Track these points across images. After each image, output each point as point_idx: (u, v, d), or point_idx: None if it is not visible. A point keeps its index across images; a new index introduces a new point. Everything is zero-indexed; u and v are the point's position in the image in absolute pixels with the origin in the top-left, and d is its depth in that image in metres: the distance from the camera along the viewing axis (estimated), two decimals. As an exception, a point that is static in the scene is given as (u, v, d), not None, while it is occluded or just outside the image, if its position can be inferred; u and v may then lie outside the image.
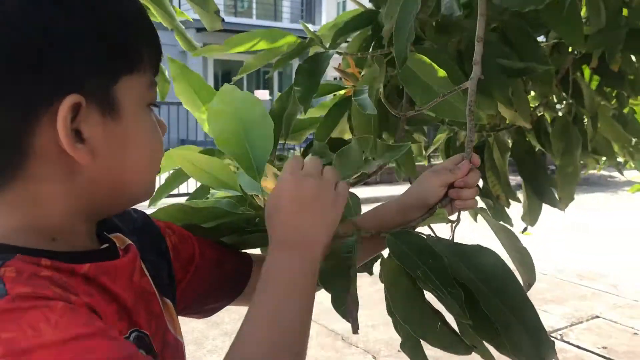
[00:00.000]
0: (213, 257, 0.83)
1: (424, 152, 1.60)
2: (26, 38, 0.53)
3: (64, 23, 0.55)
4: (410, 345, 0.82)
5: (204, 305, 0.86)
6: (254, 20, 16.60)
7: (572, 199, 1.50)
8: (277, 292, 0.64)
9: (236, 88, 0.86)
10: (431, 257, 0.75)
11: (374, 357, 3.57)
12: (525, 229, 1.51)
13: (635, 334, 4.03)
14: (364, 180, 1.17)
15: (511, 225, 1.46)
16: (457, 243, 0.81)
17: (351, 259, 0.76)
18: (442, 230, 0.87)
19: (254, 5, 17.54)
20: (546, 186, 1.40)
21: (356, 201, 0.96)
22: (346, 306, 0.70)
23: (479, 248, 0.78)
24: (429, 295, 0.76)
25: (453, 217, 0.88)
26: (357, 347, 3.68)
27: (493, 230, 0.87)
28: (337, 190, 0.70)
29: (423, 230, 0.86)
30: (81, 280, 0.56)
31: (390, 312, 0.77)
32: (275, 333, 0.60)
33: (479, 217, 0.89)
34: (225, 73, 15.72)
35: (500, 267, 0.75)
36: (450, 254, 0.77)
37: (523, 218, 1.52)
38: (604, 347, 3.76)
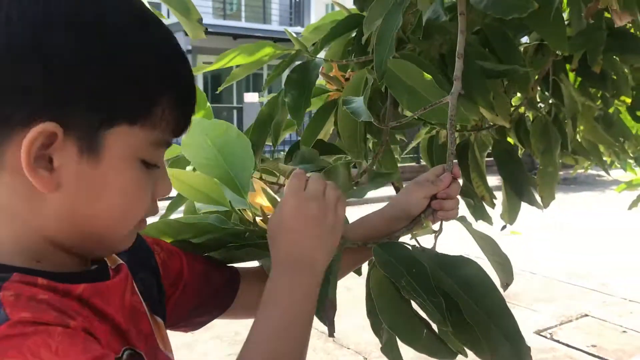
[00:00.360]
0: (201, 272, 0.84)
1: (399, 152, 1.61)
2: (22, 53, 0.51)
3: (68, 50, 0.52)
4: (390, 347, 0.86)
5: (193, 319, 0.86)
6: (242, 23, 16.59)
7: (553, 197, 1.51)
8: (280, 312, 0.65)
9: (204, 120, 0.90)
10: (414, 266, 0.78)
11: (365, 359, 3.57)
12: (504, 227, 1.53)
13: (624, 331, 4.06)
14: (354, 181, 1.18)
15: (491, 223, 1.48)
16: (440, 253, 0.84)
17: (332, 266, 0.78)
18: (425, 239, 0.90)
19: (243, 8, 17.53)
20: (525, 185, 1.42)
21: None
22: (324, 311, 0.73)
23: (461, 259, 0.82)
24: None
25: (435, 227, 0.92)
26: (348, 348, 3.68)
27: (474, 238, 0.91)
28: (337, 212, 0.71)
29: (408, 241, 0.89)
30: (75, 301, 0.56)
31: (369, 314, 0.80)
32: (278, 349, 0.62)
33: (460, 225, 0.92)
34: (215, 76, 15.70)
35: (481, 276, 0.79)
36: (434, 264, 0.80)
37: (502, 216, 1.54)
38: (594, 345, 3.79)
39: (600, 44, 1.24)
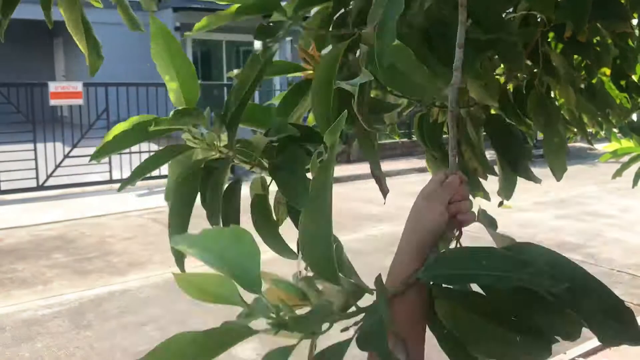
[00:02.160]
0: None
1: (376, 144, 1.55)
2: None
3: None
4: None
5: None
6: (231, -2, 16.39)
7: (565, 169, 1.45)
8: None
9: (221, 228, 0.79)
10: (484, 259, 0.70)
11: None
12: (501, 203, 1.50)
13: (611, 301, 4.11)
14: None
15: (488, 199, 1.46)
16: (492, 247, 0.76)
17: (382, 321, 0.67)
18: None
19: (231, -17, 17.29)
20: (520, 159, 1.38)
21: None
22: None
23: (518, 245, 0.75)
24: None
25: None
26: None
27: (494, 240, 0.83)
28: None
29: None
30: None
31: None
32: None
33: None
34: (204, 52, 15.52)
35: (550, 256, 0.73)
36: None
37: (499, 192, 1.51)
38: (581, 315, 3.84)
39: (587, 12, 1.21)
